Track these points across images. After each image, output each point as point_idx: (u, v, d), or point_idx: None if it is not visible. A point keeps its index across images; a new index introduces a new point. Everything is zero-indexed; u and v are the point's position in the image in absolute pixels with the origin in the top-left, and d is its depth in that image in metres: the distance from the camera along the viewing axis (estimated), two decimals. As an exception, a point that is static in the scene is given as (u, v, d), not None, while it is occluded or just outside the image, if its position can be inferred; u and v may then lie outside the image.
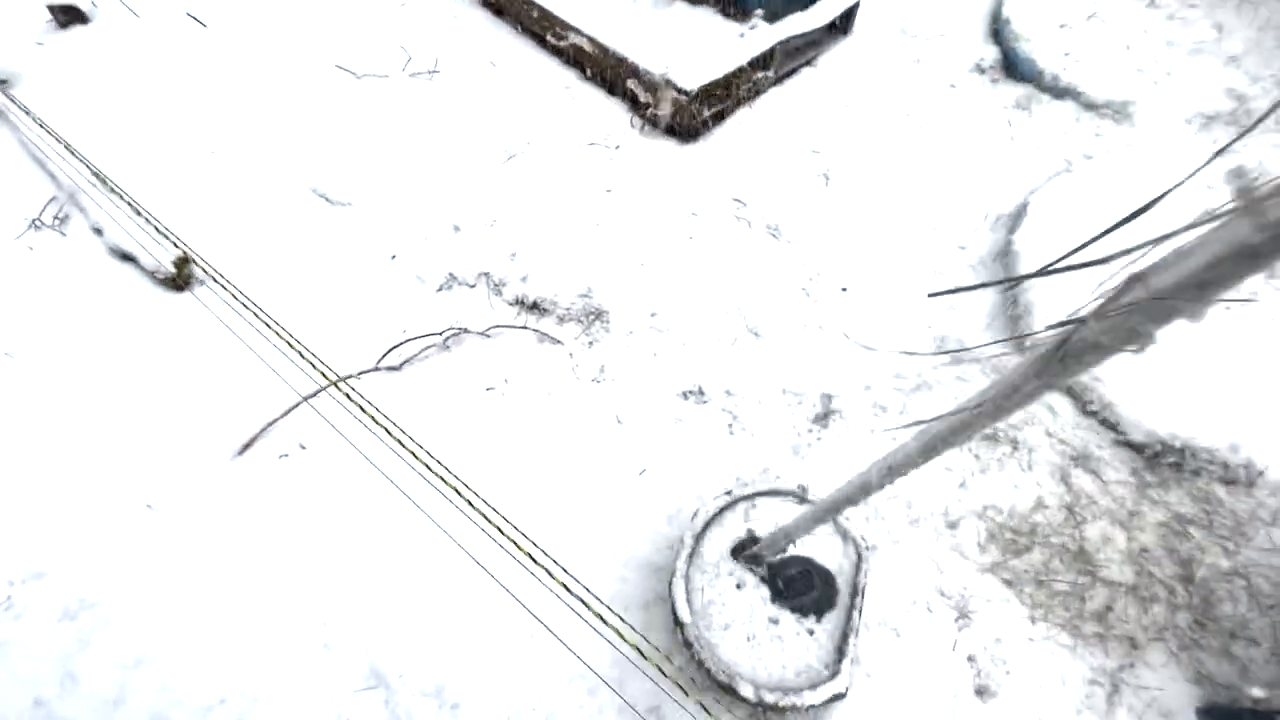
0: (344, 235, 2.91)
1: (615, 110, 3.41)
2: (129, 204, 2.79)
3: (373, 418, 1.60)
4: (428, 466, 1.76)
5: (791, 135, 3.31)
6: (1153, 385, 2.25)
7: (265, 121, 3.23)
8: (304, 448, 2.37)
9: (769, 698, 1.56)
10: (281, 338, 1.76)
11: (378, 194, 3.04)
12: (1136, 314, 0.70)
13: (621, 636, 1.45)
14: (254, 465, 2.34)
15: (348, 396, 1.69)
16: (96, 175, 2.84)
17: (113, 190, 2.67)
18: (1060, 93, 3.46)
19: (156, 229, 2.65)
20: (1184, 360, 2.31)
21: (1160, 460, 2.22)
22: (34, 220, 2.76)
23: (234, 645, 2.01)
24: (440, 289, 2.79)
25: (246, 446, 2.36)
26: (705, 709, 1.75)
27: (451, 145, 3.22)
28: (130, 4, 3.70)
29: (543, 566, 1.63)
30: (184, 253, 2.72)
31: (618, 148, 3.24)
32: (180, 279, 2.67)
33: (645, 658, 1.53)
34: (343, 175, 3.08)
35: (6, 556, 2.12)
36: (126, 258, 2.73)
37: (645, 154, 3.23)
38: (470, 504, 1.57)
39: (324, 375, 1.85)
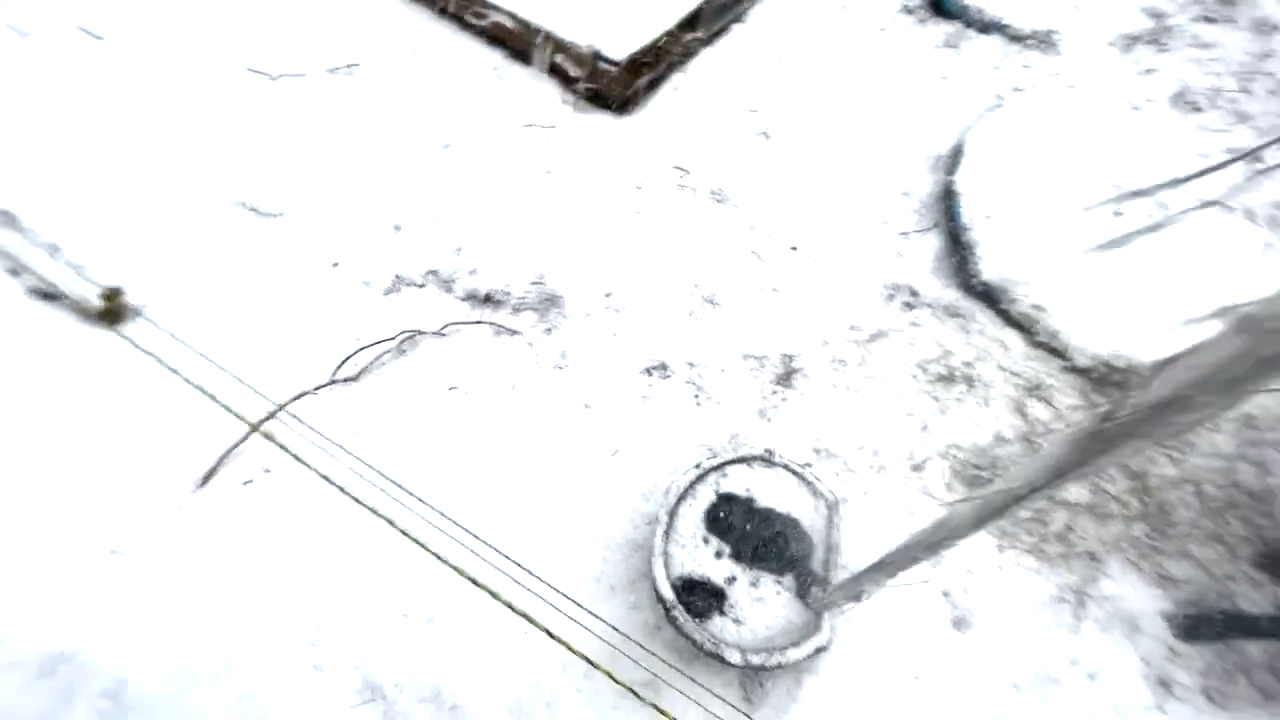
0: (280, 247, 2.80)
1: (547, 88, 3.32)
2: (45, 242, 2.64)
3: (328, 439, 1.56)
4: (393, 482, 1.74)
5: (728, 95, 3.27)
6: (1095, 310, 2.33)
7: (180, 136, 3.06)
8: (268, 471, 2.32)
9: (755, 660, 1.61)
10: (218, 368, 1.69)
11: (310, 200, 2.92)
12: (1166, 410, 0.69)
13: (600, 619, 1.47)
14: (218, 495, 2.28)
15: (297, 419, 1.64)
16: (2, 212, 2.67)
17: (21, 229, 2.52)
18: (986, 27, 3.47)
19: (77, 265, 2.52)
20: (1123, 282, 2.39)
21: (1106, 381, 2.31)
22: (-60, 268, 2.59)
23: (223, 677, 1.98)
24: (388, 292, 2.72)
25: (207, 478, 2.29)
26: (694, 680, 1.80)
27: (381, 141, 3.10)
28: (15, 24, 3.44)
29: (517, 563, 1.63)
30: (111, 286, 2.59)
31: (554, 127, 3.17)
32: (111, 314, 2.54)
33: (630, 639, 1.56)
34: (270, 185, 2.95)
35: (-32, 622, 2.04)
36: (50, 297, 2.59)
37: (582, 131, 3.17)
38: (441, 514, 1.56)
39: (268, 401, 1.79)
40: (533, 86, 3.33)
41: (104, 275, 2.61)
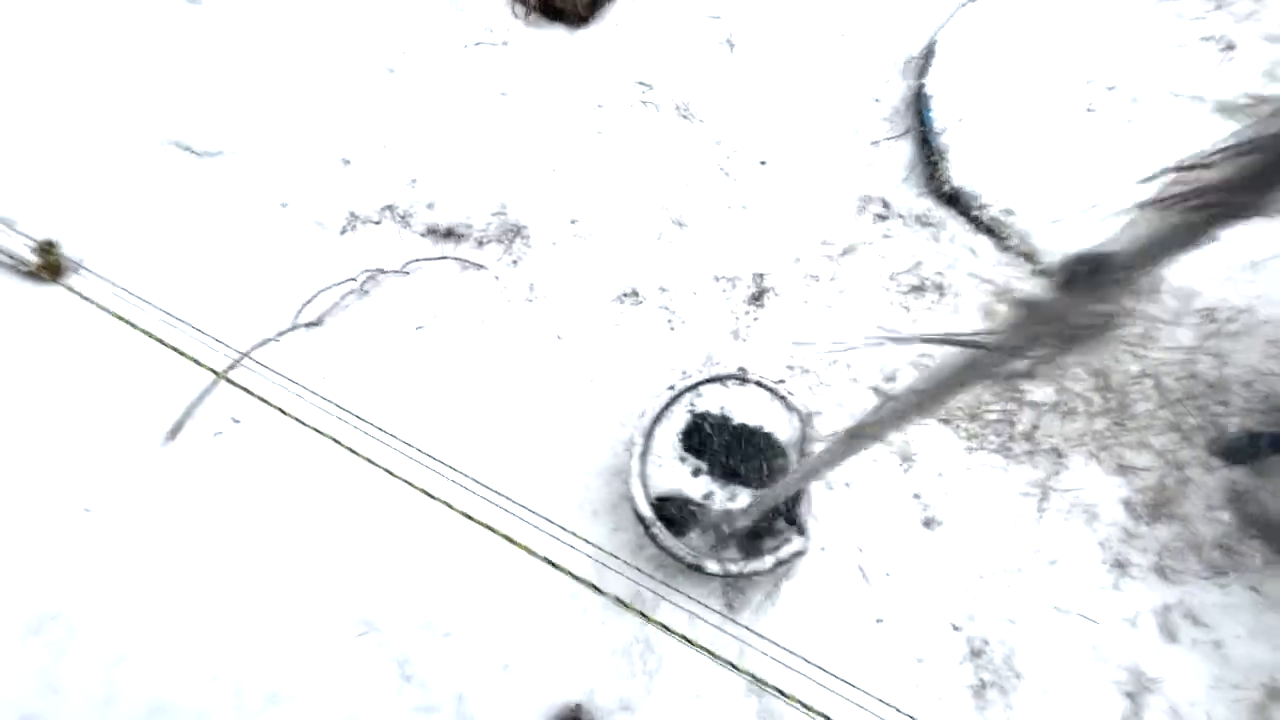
0: (222, 188, 2.64)
1: (495, 1, 3.08)
2: (-39, 193, 2.45)
3: (297, 384, 1.51)
4: (370, 423, 1.71)
5: (688, 2, 3.07)
6: (1065, 211, 2.31)
7: (103, 70, 2.82)
8: (237, 421, 2.27)
9: (734, 568, 1.66)
10: (163, 322, 1.62)
11: (249, 136, 2.74)
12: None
13: (585, 540, 1.49)
14: (188, 448, 2.24)
15: (262, 364, 1.59)
16: (-90, 165, 2.46)
17: (-66, 180, 2.33)
18: (959, -88, 3.25)
19: (6, 219, 2.37)
20: (1092, 178, 2.36)
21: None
22: None
23: (215, 624, 2.01)
24: (344, 231, 2.60)
25: (175, 431, 2.25)
26: (679, 591, 1.86)
27: (319, 67, 2.88)
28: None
29: (497, 491, 1.64)
30: (46, 239, 2.44)
31: (505, 44, 2.96)
32: (48, 268, 2.41)
33: (615, 557, 1.60)
34: (204, 121, 2.75)
35: (-53, 588, 2.03)
36: (-22, 254, 2.43)
37: (536, 46, 2.97)
38: (419, 450, 1.54)
39: (230, 350, 1.73)
40: (480, 0, 3.09)
41: (36, 228, 2.46)
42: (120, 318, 2.22)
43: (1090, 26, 2.67)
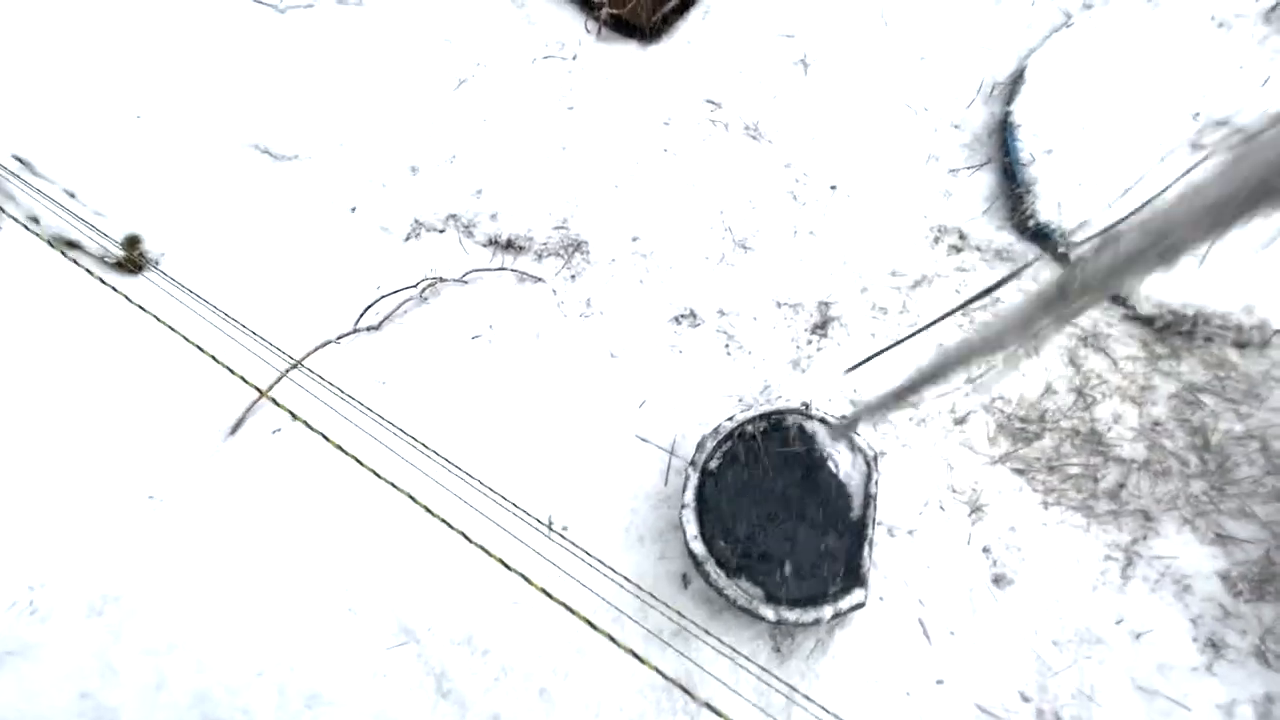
0: (297, 191, 2.72)
1: (567, 15, 3.09)
2: (62, 189, 2.59)
3: (342, 393, 1.52)
4: (409, 435, 1.70)
5: (762, 19, 3.01)
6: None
7: (188, 74, 2.95)
8: (296, 420, 2.31)
9: (790, 616, 1.58)
10: (231, 322, 1.65)
11: (324, 142, 2.81)
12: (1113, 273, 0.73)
13: (627, 580, 1.43)
14: (248, 444, 2.30)
15: (313, 374, 1.60)
16: (18, 159, 2.62)
17: (38, 175, 2.47)
18: (1056, -66, 3.10)
19: (95, 213, 2.48)
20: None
21: (1171, 330, 2.14)
22: (-37, 217, 2.57)
23: (262, 620, 2.04)
24: (408, 238, 2.64)
25: (236, 426, 2.31)
26: (714, 633, 1.78)
27: (394, 77, 2.94)
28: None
29: (533, 517, 1.60)
30: (130, 234, 2.55)
31: (575, 58, 2.97)
32: (132, 261, 2.52)
33: (656, 598, 1.53)
34: (283, 126, 2.84)
35: (20, 564, 2.12)
36: (71, 245, 2.56)
37: (606, 61, 2.96)
38: (461, 471, 1.52)
39: (283, 356, 1.75)
40: (552, 13, 3.11)
41: (122, 223, 2.57)
42: (203, 307, 2.30)
43: (1197, 58, 2.49)
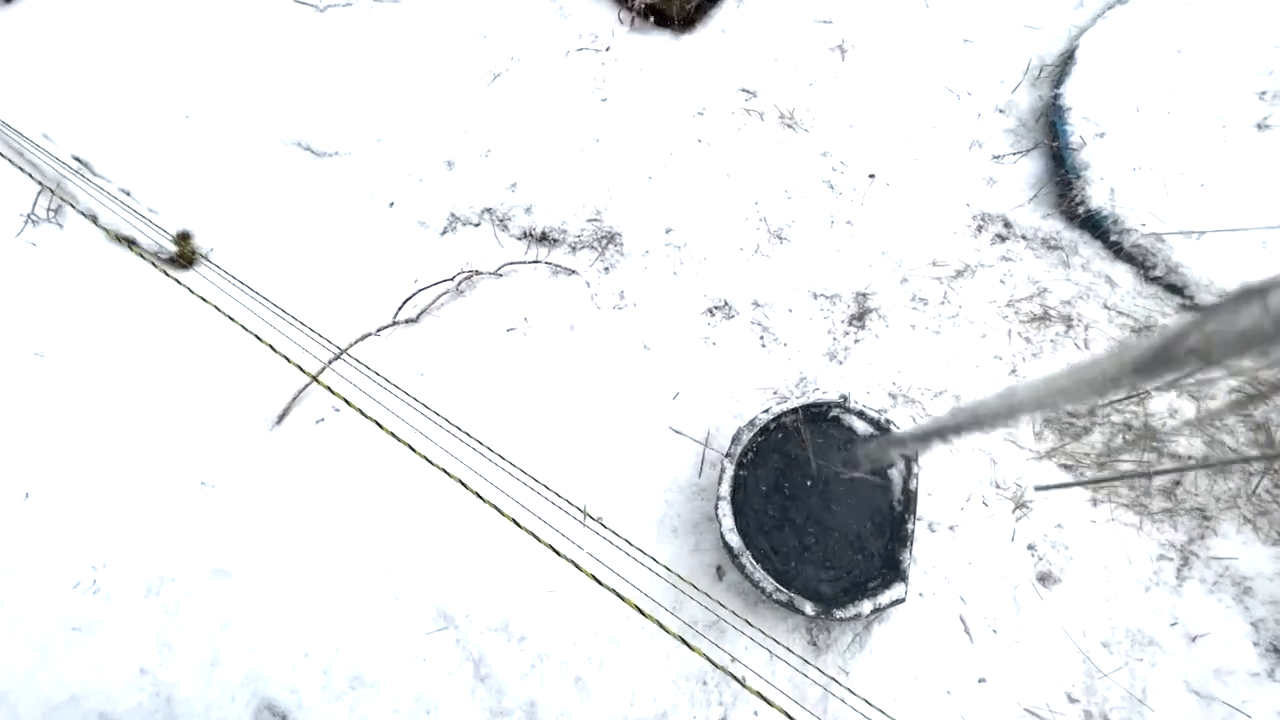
0: (337, 187, 2.78)
1: (600, 7, 3.08)
2: (119, 187, 2.70)
3: (387, 383, 1.55)
4: (453, 424, 1.73)
5: (797, 5, 2.95)
6: (1228, 240, 2.04)
7: (233, 75, 3.04)
8: (338, 410, 2.38)
9: (829, 610, 1.56)
10: (278, 314, 1.70)
11: (363, 138, 2.87)
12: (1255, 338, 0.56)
13: (668, 569, 1.44)
14: (293, 433, 2.37)
15: (359, 363, 1.64)
16: (78, 159, 2.74)
17: (96, 174, 2.58)
18: (1109, -94, 2.96)
19: (150, 210, 2.57)
20: (1253, 205, 2.08)
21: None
22: (28, 215, 2.70)
23: (307, 603, 2.11)
24: (444, 232, 2.67)
25: (282, 416, 2.38)
26: (752, 623, 1.77)
27: (430, 73, 2.98)
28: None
29: (573, 506, 1.61)
30: (183, 230, 2.65)
31: (608, 49, 2.96)
32: (184, 256, 2.61)
33: (696, 588, 1.53)
34: (323, 123, 2.90)
35: (85, 546, 2.23)
36: (127, 241, 2.68)
37: (639, 52, 2.95)
38: (505, 460, 1.54)
39: (328, 346, 1.80)
40: (585, 5, 3.10)
41: (174, 219, 2.67)
42: (243, 305, 2.37)
43: (1262, 33, 2.36)
